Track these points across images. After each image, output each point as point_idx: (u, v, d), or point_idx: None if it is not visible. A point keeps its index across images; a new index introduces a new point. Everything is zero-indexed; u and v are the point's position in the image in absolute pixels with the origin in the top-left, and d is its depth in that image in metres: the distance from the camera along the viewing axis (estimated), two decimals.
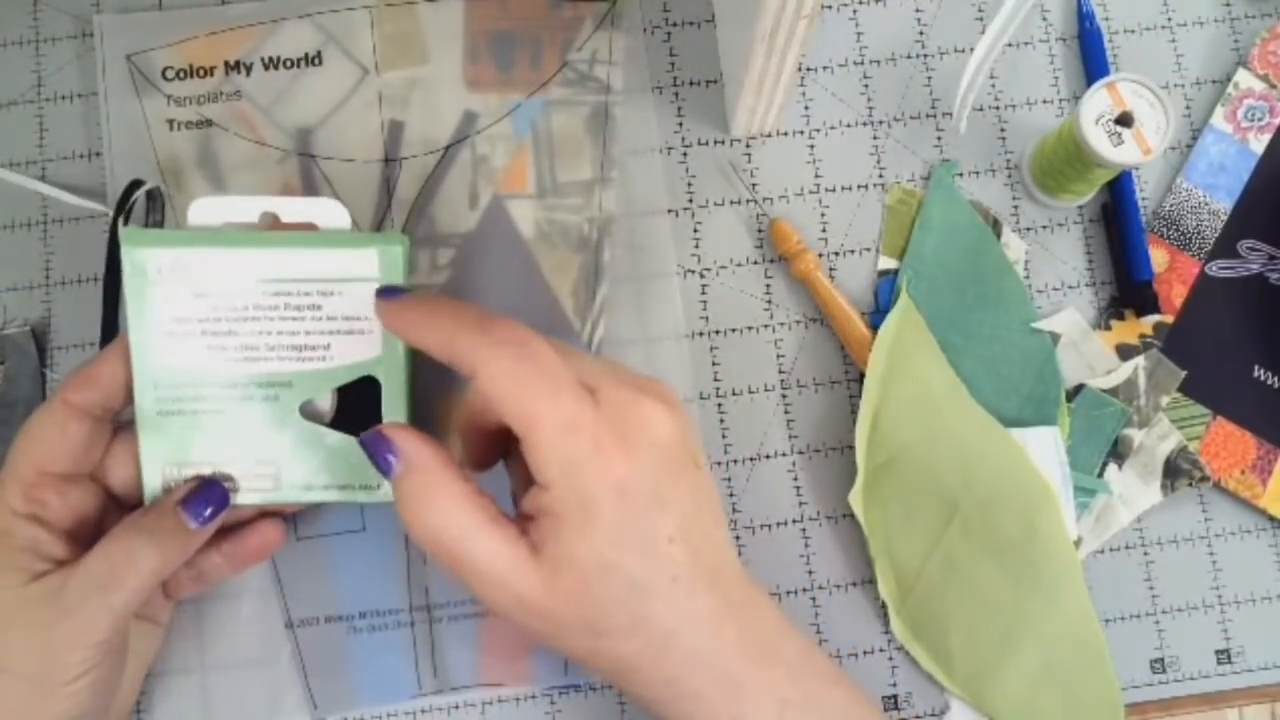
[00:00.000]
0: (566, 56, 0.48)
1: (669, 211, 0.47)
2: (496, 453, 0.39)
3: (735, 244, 0.47)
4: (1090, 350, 0.47)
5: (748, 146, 0.48)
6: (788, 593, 0.45)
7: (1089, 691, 0.43)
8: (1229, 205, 0.48)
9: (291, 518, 0.43)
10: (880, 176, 0.48)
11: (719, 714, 0.33)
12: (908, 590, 0.44)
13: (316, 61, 0.47)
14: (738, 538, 0.45)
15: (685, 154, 0.48)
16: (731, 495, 0.46)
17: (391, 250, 0.38)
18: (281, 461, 0.39)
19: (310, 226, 0.39)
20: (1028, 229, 0.48)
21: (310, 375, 0.38)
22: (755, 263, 0.47)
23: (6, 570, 0.35)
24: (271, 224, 0.39)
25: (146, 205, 0.44)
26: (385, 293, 0.37)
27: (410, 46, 0.47)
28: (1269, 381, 0.47)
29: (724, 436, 0.46)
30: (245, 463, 0.39)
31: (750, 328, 0.47)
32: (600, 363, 0.35)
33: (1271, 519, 0.46)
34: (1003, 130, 0.49)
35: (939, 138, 0.49)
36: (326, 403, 0.39)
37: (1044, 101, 0.49)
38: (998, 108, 0.49)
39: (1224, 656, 0.45)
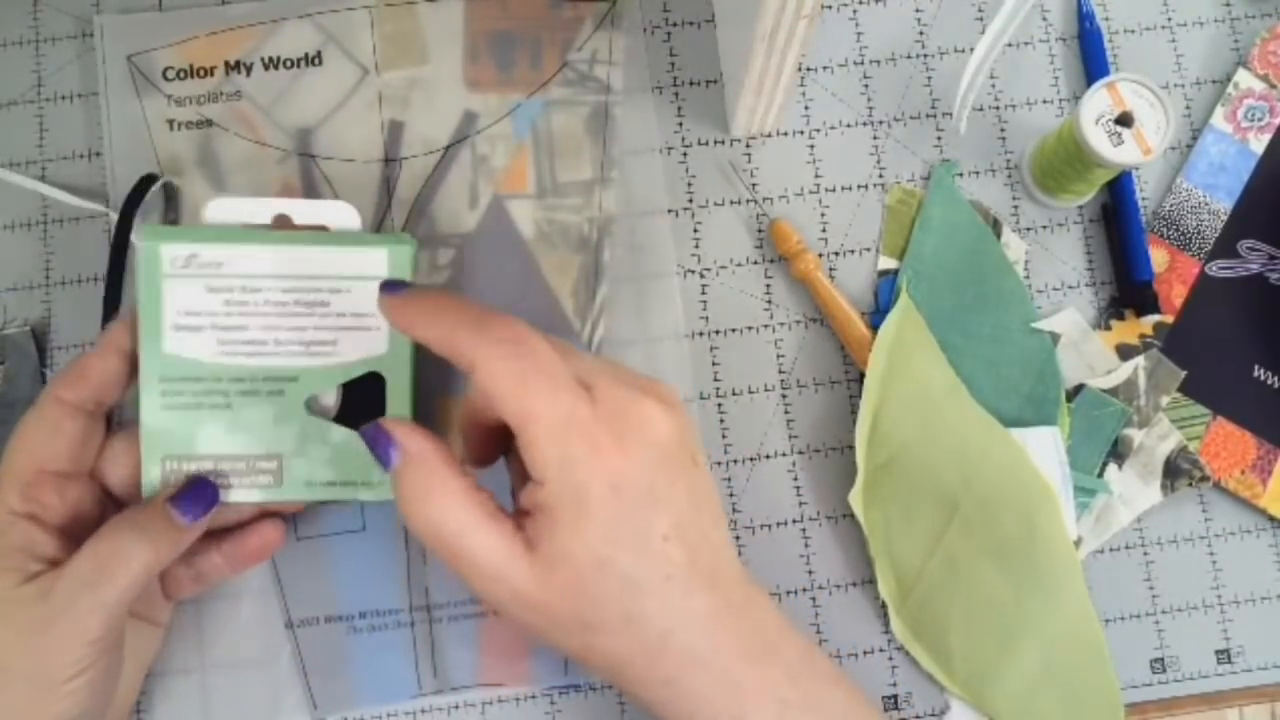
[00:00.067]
0: (566, 56, 0.48)
1: (669, 211, 0.47)
2: (497, 449, 0.39)
3: (735, 244, 0.47)
4: (1090, 350, 0.46)
5: (748, 146, 0.48)
6: (788, 593, 0.45)
7: (1089, 691, 0.43)
8: (1229, 205, 0.48)
9: (291, 518, 0.43)
10: (880, 176, 0.48)
11: (719, 714, 0.33)
12: (908, 590, 0.44)
13: (316, 61, 0.47)
14: (738, 538, 0.45)
15: (685, 154, 0.48)
16: (731, 495, 0.46)
17: (401, 250, 0.39)
18: (284, 456, 0.39)
19: (322, 229, 0.40)
20: (1028, 229, 0.48)
21: (316, 370, 0.39)
22: (755, 263, 0.47)
23: (1, 571, 0.35)
24: (284, 225, 0.40)
25: (165, 200, 0.45)
26: (388, 287, 0.38)
27: (410, 46, 0.47)
28: (1269, 381, 0.47)
29: (724, 436, 0.46)
30: (248, 457, 0.39)
31: (750, 328, 0.47)
32: (599, 362, 0.35)
33: (1271, 519, 0.46)
34: (1003, 130, 0.49)
35: (939, 138, 0.49)
36: (331, 398, 0.40)
37: (1044, 101, 0.49)
38: (998, 108, 0.49)
39: (1224, 656, 0.45)
